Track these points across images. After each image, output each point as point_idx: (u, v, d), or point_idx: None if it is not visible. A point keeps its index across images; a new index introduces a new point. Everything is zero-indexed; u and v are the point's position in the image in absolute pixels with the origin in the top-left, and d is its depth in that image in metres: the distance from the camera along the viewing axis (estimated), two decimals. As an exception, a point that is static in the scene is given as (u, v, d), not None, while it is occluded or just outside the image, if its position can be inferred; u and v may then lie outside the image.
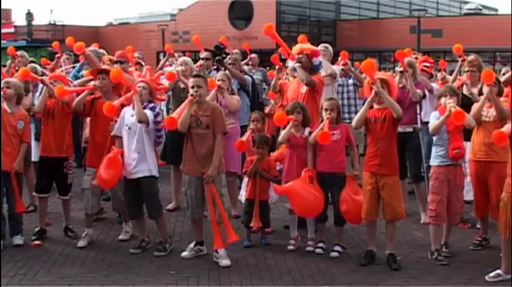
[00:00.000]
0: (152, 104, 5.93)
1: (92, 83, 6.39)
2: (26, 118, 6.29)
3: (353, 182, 5.92)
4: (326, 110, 5.90)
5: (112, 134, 5.94)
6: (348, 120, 8.23)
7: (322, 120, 5.90)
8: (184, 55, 11.07)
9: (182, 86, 7.33)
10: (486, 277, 5.23)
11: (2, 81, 6.25)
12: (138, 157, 5.80)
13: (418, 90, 6.98)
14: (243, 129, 7.08)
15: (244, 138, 6.37)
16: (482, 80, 5.87)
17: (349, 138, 5.99)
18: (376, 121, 5.58)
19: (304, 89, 6.59)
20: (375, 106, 5.61)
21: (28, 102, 6.86)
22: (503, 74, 7.50)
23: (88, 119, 6.91)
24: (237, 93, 7.94)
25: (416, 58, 7.90)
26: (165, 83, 7.50)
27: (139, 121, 5.72)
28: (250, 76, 8.53)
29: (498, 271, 5.24)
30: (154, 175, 5.90)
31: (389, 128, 5.54)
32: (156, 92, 6.40)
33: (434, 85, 7.72)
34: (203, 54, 9.32)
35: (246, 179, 6.42)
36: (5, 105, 6.10)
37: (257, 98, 8.54)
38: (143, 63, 9.44)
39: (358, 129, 6.10)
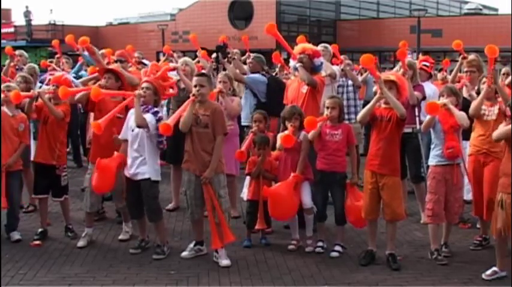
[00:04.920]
0: (155, 109, 5.84)
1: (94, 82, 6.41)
2: (26, 121, 6.41)
3: (352, 189, 5.92)
4: (327, 107, 5.90)
5: (120, 136, 5.94)
6: (347, 121, 8.24)
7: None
8: (184, 55, 11.08)
9: (182, 86, 7.32)
10: (483, 275, 5.26)
11: (3, 85, 6.34)
12: (139, 160, 5.79)
13: (417, 93, 6.95)
14: (247, 129, 7.10)
15: (243, 147, 6.34)
16: (486, 53, 5.77)
17: (350, 139, 5.97)
18: (382, 120, 5.57)
19: (305, 88, 6.59)
20: (382, 105, 5.61)
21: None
22: (504, 74, 7.50)
23: (91, 120, 6.93)
24: (244, 93, 7.93)
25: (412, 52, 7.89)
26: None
27: (138, 126, 5.69)
28: (266, 76, 8.15)
29: (494, 269, 5.27)
30: (155, 179, 5.86)
31: (393, 129, 5.53)
32: (163, 89, 6.30)
33: (432, 87, 7.73)
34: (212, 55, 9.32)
35: (247, 179, 6.42)
36: (5, 109, 6.21)
37: (271, 98, 7.72)
38: (146, 63, 9.44)
39: (363, 124, 6.08)
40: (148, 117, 5.71)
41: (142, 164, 5.79)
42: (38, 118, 6.51)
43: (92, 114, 6.88)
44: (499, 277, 5.23)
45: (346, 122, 7.25)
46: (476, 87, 6.49)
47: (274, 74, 11.22)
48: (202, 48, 9.66)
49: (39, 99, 6.27)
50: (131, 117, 5.83)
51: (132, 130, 5.81)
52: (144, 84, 5.91)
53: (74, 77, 8.34)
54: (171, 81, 6.98)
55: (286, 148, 6.06)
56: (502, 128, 5.15)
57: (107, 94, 5.96)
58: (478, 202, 5.97)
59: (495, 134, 5.21)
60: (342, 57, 8.95)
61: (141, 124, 5.66)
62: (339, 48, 9.00)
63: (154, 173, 5.84)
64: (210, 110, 5.63)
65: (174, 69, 7.25)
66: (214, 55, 8.70)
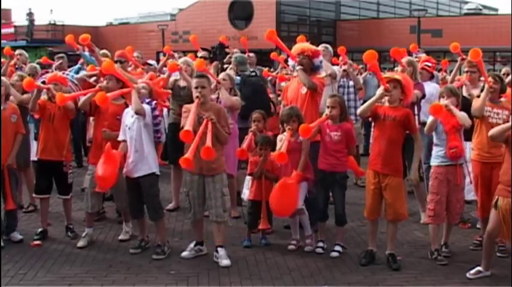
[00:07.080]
0: (149, 99, 5.94)
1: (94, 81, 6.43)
2: (17, 111, 6.35)
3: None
4: (328, 107, 5.89)
5: (119, 138, 5.95)
6: (347, 122, 8.23)
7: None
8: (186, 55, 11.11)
9: (182, 85, 7.33)
10: (467, 274, 5.28)
11: None
12: (137, 156, 5.80)
13: (417, 91, 6.93)
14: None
15: (244, 145, 6.34)
16: (470, 58, 5.81)
17: (349, 139, 5.94)
18: (385, 119, 5.54)
19: (304, 89, 6.56)
20: (386, 104, 5.59)
21: (18, 98, 6.86)
22: (504, 74, 7.50)
23: (91, 119, 6.93)
24: None
25: (417, 60, 7.87)
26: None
27: (136, 112, 5.74)
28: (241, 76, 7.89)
29: (479, 268, 5.29)
30: (154, 172, 5.88)
31: (398, 129, 5.52)
32: (158, 97, 6.37)
33: (434, 85, 7.71)
34: (200, 53, 9.37)
35: (248, 179, 6.41)
36: None
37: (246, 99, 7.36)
38: (152, 63, 9.48)
39: (362, 118, 6.10)
40: (144, 106, 5.80)
41: (140, 160, 5.81)
42: (40, 117, 6.49)
43: (91, 119, 6.89)
44: (498, 277, 5.23)
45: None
46: (481, 84, 6.49)
47: (276, 73, 11.23)
48: (203, 49, 9.70)
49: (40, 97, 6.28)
50: (126, 116, 5.88)
51: (129, 128, 5.84)
52: (141, 84, 6.03)
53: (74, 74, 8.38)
54: (165, 91, 7.10)
55: (287, 149, 6.03)
56: (499, 126, 5.14)
57: (112, 96, 5.97)
58: (484, 204, 5.85)
59: (491, 131, 5.18)
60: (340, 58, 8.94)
61: (139, 110, 5.72)
62: (340, 49, 8.97)
63: (154, 166, 5.88)
64: (213, 110, 5.65)
65: (178, 69, 7.28)
66: (202, 53, 8.71)
